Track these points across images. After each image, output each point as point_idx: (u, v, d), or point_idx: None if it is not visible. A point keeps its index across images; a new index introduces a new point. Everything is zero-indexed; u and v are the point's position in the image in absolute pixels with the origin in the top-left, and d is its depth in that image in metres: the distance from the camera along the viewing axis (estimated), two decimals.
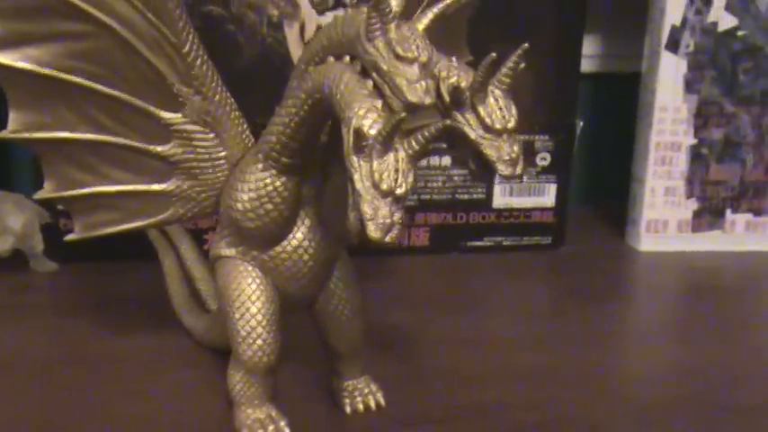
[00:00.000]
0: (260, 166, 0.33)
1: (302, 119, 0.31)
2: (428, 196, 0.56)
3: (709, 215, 0.61)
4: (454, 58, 0.30)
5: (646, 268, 0.59)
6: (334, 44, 0.30)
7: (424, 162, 0.55)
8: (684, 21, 0.57)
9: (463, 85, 0.29)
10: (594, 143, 0.68)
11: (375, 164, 0.26)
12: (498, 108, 0.29)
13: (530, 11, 0.54)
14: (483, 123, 0.29)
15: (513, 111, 0.30)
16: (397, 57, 0.28)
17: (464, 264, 0.57)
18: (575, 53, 0.56)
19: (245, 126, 0.35)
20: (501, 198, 0.57)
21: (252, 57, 0.49)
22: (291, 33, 0.49)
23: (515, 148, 0.29)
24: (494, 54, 0.29)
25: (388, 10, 0.29)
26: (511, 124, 0.29)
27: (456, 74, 0.29)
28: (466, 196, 0.57)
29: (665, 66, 0.57)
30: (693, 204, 0.60)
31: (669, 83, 0.58)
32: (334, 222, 0.34)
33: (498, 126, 0.29)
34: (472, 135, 0.29)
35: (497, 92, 0.30)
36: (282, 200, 0.33)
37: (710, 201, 0.61)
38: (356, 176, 0.27)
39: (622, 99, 0.63)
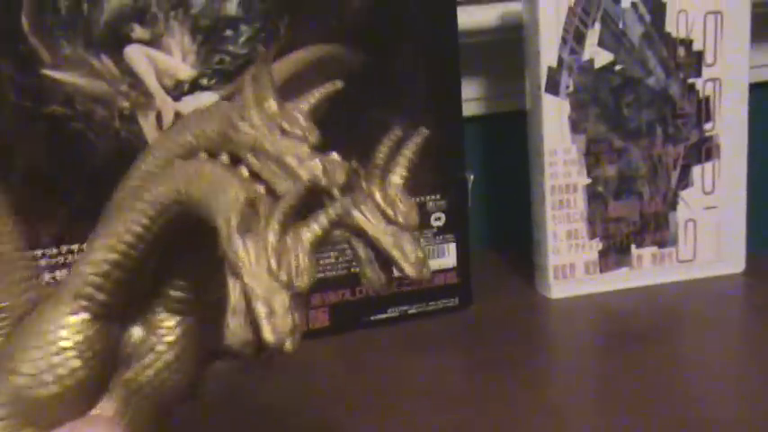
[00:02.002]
0: (65, 309, 0.29)
1: (140, 238, 0.28)
2: (322, 274, 0.55)
3: (615, 253, 0.61)
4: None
5: (559, 318, 0.58)
6: (205, 142, 0.28)
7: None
8: (561, 61, 0.58)
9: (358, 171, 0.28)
10: (490, 188, 0.68)
11: (269, 251, 0.23)
12: (399, 200, 0.28)
13: (399, 68, 0.54)
14: (384, 215, 0.27)
15: (414, 207, 0.28)
16: (283, 132, 0.26)
17: (369, 341, 0.55)
18: (454, 106, 0.56)
19: (34, 267, 0.31)
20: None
21: (107, 154, 0.48)
22: (148, 124, 0.48)
23: (420, 251, 0.27)
24: (399, 132, 0.29)
25: (267, 82, 0.27)
26: (414, 220, 0.28)
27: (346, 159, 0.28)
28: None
29: (548, 109, 0.58)
30: (598, 244, 0.61)
31: (555, 125, 0.58)
32: (186, 363, 0.31)
33: (401, 220, 0.27)
34: (370, 229, 0.27)
35: (394, 181, 0.28)
36: (94, 354, 0.28)
37: (614, 238, 0.61)
38: (242, 270, 0.23)
39: (512, 138, 0.64)
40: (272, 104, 0.27)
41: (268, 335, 0.23)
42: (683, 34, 0.59)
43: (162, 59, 0.48)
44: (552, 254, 0.60)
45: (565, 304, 0.60)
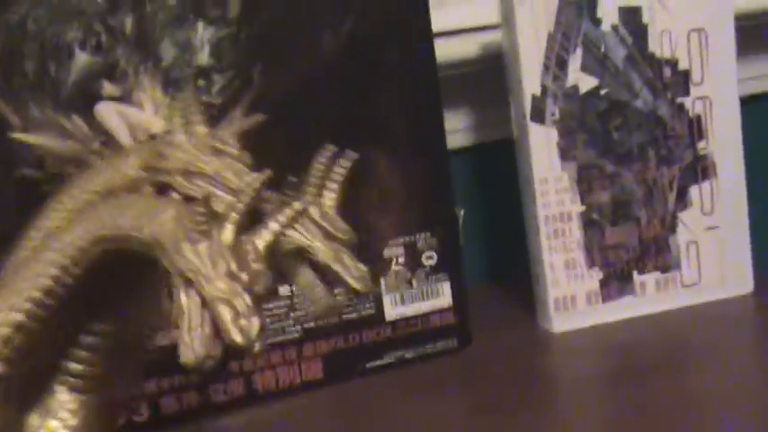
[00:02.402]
0: None
1: (49, 292, 0.27)
2: (312, 324, 0.53)
3: (616, 281, 0.60)
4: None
5: (562, 354, 0.56)
6: (124, 182, 0.29)
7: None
8: (544, 89, 0.57)
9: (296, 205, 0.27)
10: (483, 220, 0.67)
11: (226, 254, 0.23)
12: (335, 218, 0.28)
13: (379, 105, 0.53)
14: (322, 232, 0.27)
15: (348, 226, 0.29)
16: (216, 153, 0.27)
17: (365, 390, 0.53)
18: (438, 139, 0.55)
19: None
20: (393, 309, 0.55)
21: None
22: None
23: (361, 265, 0.28)
24: (330, 149, 0.29)
25: (194, 108, 0.28)
26: (352, 236, 0.28)
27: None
28: (354, 314, 0.54)
29: (535, 137, 0.57)
30: (598, 273, 0.59)
31: (543, 153, 0.57)
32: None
33: (340, 236, 0.28)
34: (310, 246, 0.27)
35: (329, 199, 0.29)
36: None
37: (614, 266, 0.60)
38: (198, 276, 0.23)
39: (502, 167, 0.63)
40: (200, 129, 0.28)
41: (237, 337, 0.22)
42: (667, 54, 0.58)
43: (134, 115, 0.43)
44: (551, 286, 0.58)
45: (568, 338, 0.58)
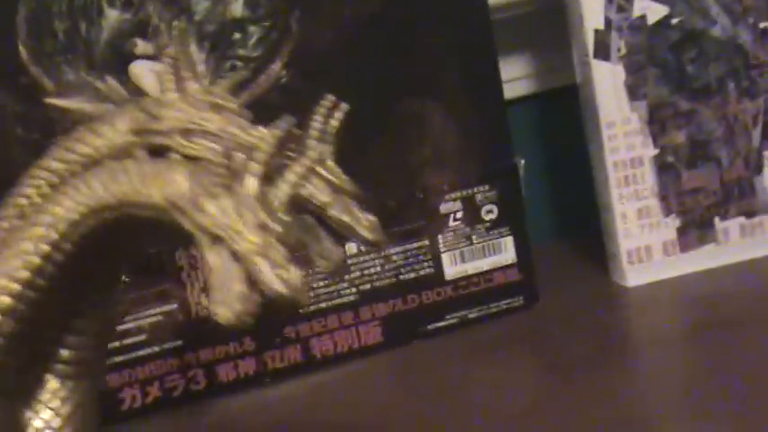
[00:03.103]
0: None
1: (40, 272, 0.26)
2: (368, 285, 0.52)
3: (695, 229, 0.56)
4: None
5: (638, 309, 0.53)
6: (111, 151, 0.27)
7: (354, 248, 0.51)
8: (608, 22, 0.53)
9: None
10: (547, 172, 0.64)
11: (257, 205, 0.23)
12: (338, 170, 0.28)
13: (429, 53, 0.51)
14: (329, 184, 0.27)
15: (349, 180, 0.28)
16: (216, 109, 0.26)
17: (428, 353, 0.52)
18: (493, 88, 0.53)
19: None
20: (453, 267, 0.53)
21: None
22: None
23: (369, 215, 0.27)
24: (330, 99, 0.28)
25: (187, 62, 0.27)
26: (358, 188, 0.28)
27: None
28: (412, 275, 0.53)
29: (599, 77, 0.53)
30: (675, 221, 0.55)
31: (609, 94, 0.54)
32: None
33: (347, 187, 0.27)
34: (318, 198, 0.26)
35: (329, 154, 0.28)
36: None
37: (693, 213, 0.56)
38: (226, 232, 0.22)
39: (565, 115, 0.60)
40: (192, 85, 0.27)
41: (281, 288, 0.22)
42: None
43: None
44: (623, 237, 0.55)
45: (643, 292, 0.55)
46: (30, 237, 0.26)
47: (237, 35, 0.47)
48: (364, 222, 0.27)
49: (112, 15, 0.46)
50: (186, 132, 0.26)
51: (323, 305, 0.51)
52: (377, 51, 0.50)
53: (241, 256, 0.22)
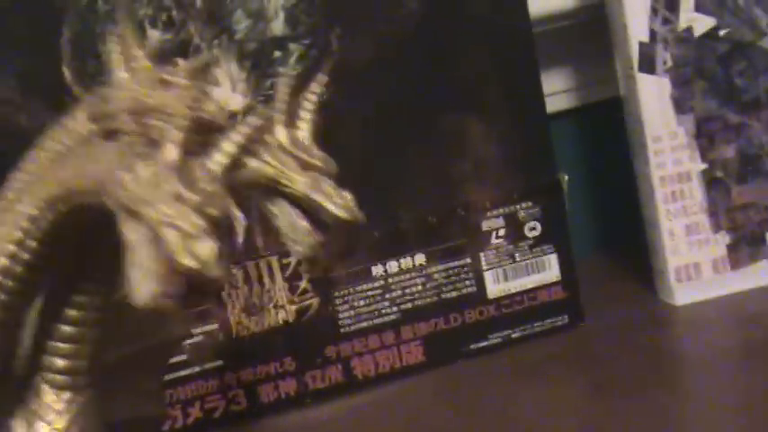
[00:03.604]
0: None
1: (7, 271, 0.25)
2: (409, 304, 0.52)
3: (746, 246, 0.54)
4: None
5: (687, 329, 0.52)
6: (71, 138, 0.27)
7: (395, 266, 0.51)
8: (653, 34, 0.52)
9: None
10: (591, 187, 0.64)
11: (170, 172, 0.21)
12: (311, 146, 0.26)
13: (469, 68, 0.51)
14: (298, 161, 0.25)
15: (323, 155, 0.26)
16: (165, 85, 0.25)
17: (471, 373, 0.51)
18: (536, 100, 0.52)
19: None
20: (495, 285, 0.53)
21: None
22: None
23: (344, 192, 0.25)
24: (296, 74, 0.27)
25: (133, 39, 0.26)
26: (333, 166, 0.26)
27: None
28: (454, 293, 0.52)
29: (645, 90, 0.53)
30: (725, 238, 0.54)
31: (655, 108, 0.53)
32: None
33: (319, 164, 0.25)
34: (284, 177, 0.25)
35: (303, 127, 0.26)
36: None
37: (744, 229, 0.54)
38: (139, 203, 0.21)
39: (609, 129, 0.59)
40: (143, 63, 0.26)
41: (186, 260, 0.20)
42: None
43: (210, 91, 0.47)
44: (671, 254, 0.54)
45: (692, 311, 0.53)
46: None
47: (278, 53, 0.47)
48: (337, 200, 0.25)
49: (154, 36, 0.46)
50: (132, 112, 0.24)
51: (364, 324, 0.51)
52: (417, 66, 0.50)
53: (152, 227, 0.21)
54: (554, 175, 0.53)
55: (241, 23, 0.47)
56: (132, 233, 0.21)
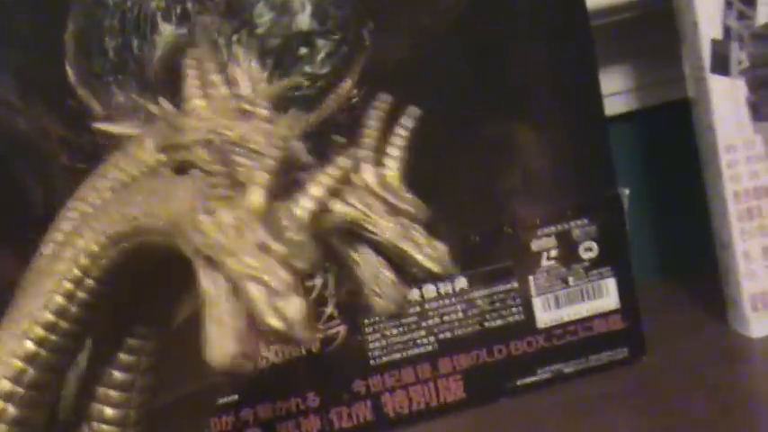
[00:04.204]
0: None
1: (62, 312, 0.26)
2: (448, 333, 0.50)
3: None
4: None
5: (765, 365, 0.51)
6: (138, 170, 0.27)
7: (432, 291, 0.51)
8: (727, 31, 0.50)
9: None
10: (653, 202, 0.62)
11: (256, 219, 0.21)
12: (400, 188, 0.26)
13: (517, 67, 0.50)
14: (386, 205, 0.25)
15: (412, 197, 0.26)
16: (244, 115, 0.25)
17: (516, 412, 0.50)
18: (593, 103, 0.51)
19: None
20: (546, 313, 0.52)
21: None
22: None
23: (436, 242, 0.25)
24: (386, 101, 0.26)
25: (211, 63, 0.26)
26: (424, 210, 0.25)
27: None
28: (499, 321, 0.51)
29: (717, 93, 0.51)
30: None
31: (729, 114, 0.51)
32: None
33: (409, 209, 0.25)
34: (370, 223, 0.25)
35: (391, 166, 0.26)
36: None
37: None
38: (219, 251, 0.21)
39: (676, 136, 0.58)
40: (221, 90, 0.26)
41: (271, 320, 0.20)
42: None
43: None
44: (746, 279, 0.52)
45: None
46: (51, 273, 0.26)
47: (304, 50, 0.47)
48: (428, 251, 0.25)
49: (167, 30, 0.45)
50: (207, 144, 0.25)
51: (396, 356, 0.50)
52: (460, 65, 0.49)
53: (232, 280, 0.21)
54: (613, 189, 0.52)
55: (263, 17, 0.46)
56: (210, 284, 0.21)
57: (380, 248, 0.25)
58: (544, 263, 0.52)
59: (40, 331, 0.26)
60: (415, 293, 0.50)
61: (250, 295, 0.20)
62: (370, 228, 0.25)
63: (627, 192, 0.53)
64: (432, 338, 0.51)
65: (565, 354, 0.52)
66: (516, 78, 0.50)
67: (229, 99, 0.26)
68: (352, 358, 0.50)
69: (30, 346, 0.26)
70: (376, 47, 0.47)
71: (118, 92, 0.46)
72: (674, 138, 0.59)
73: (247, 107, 0.25)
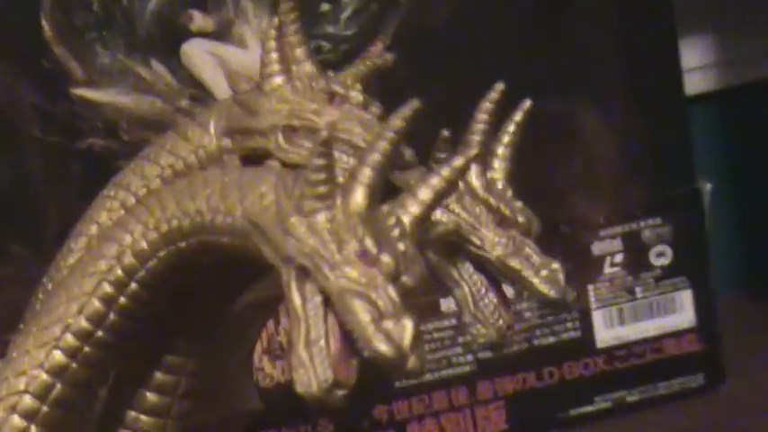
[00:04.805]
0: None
1: (99, 318, 0.26)
2: (489, 352, 0.47)
3: None
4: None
5: None
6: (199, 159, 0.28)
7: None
8: None
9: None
10: (738, 201, 0.61)
11: (359, 225, 0.22)
12: (509, 193, 0.26)
13: (581, 39, 0.49)
14: (495, 214, 0.26)
15: (524, 206, 0.27)
16: (332, 98, 0.26)
17: None
18: (671, 81, 0.50)
19: None
20: (607, 330, 0.51)
21: None
22: None
23: (551, 261, 0.26)
24: (498, 92, 0.27)
25: (295, 34, 0.27)
26: (536, 222, 0.26)
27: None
28: (551, 339, 0.50)
29: None
30: None
31: None
32: None
33: (521, 220, 0.26)
34: (477, 236, 0.25)
35: (501, 168, 0.27)
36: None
37: None
38: (315, 261, 0.21)
39: (762, 120, 0.58)
40: (307, 67, 0.26)
41: (381, 345, 0.20)
42: None
43: (234, 57, 0.46)
44: None
45: None
46: (88, 274, 0.26)
47: (326, 6, 0.46)
48: (542, 272, 0.25)
49: None
50: (288, 131, 0.25)
51: (427, 377, 0.49)
52: (511, 32, 0.48)
53: (331, 295, 0.21)
54: (692, 184, 0.52)
55: None
56: (300, 298, 0.21)
57: (485, 266, 0.25)
58: (607, 270, 0.51)
59: (72, 340, 0.25)
60: (451, 303, 0.46)
61: (354, 315, 0.20)
62: (477, 242, 0.25)
63: (708, 187, 0.52)
64: (470, 357, 0.50)
65: (629, 379, 0.51)
66: (580, 51, 0.50)
67: (317, 78, 0.26)
68: (374, 379, 0.48)
69: (59, 357, 0.26)
70: (412, 6, 0.47)
71: (102, 52, 0.46)
72: (761, 122, 0.58)
73: (339, 90, 0.26)
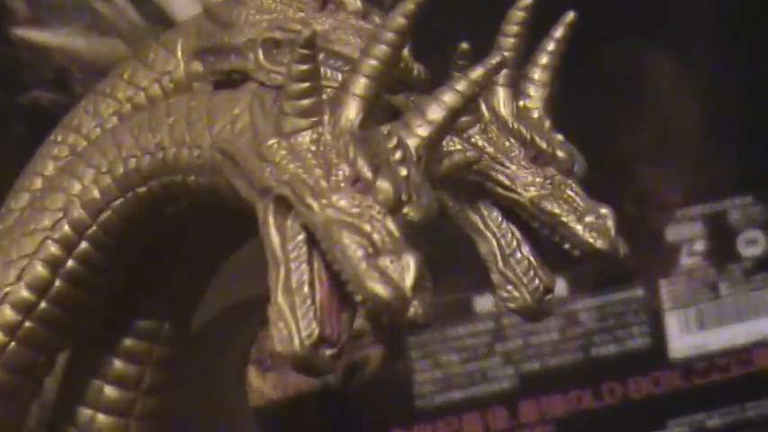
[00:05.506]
0: None
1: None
2: (535, 363, 0.48)
3: None
4: None
5: None
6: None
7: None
8: None
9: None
10: None
11: (351, 144, 0.22)
12: (547, 120, 0.26)
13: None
14: (531, 149, 0.25)
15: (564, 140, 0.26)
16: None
17: None
18: (762, 38, 0.49)
19: None
20: (683, 337, 0.49)
21: None
22: None
23: (598, 205, 0.24)
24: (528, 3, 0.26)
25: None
26: (579, 158, 0.25)
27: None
28: (612, 348, 0.48)
29: None
30: None
31: None
32: None
33: (562, 155, 0.25)
34: (506, 176, 0.25)
35: (538, 96, 0.26)
36: None
37: None
38: (301, 188, 0.21)
39: None
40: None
41: (375, 286, 0.19)
42: None
43: None
44: None
45: None
46: (41, 220, 0.26)
47: None
48: (589, 218, 0.24)
49: None
50: (270, 45, 0.25)
51: (457, 395, 0.47)
52: None
53: (317, 230, 0.20)
54: None
55: None
56: (278, 236, 0.20)
57: (518, 213, 0.24)
58: (684, 260, 0.49)
59: (10, 314, 0.25)
60: (486, 302, 0.48)
61: (343, 251, 0.20)
62: (505, 182, 0.24)
63: None
64: (510, 370, 0.49)
65: (710, 398, 0.50)
66: (664, 9, 0.49)
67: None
68: (389, 395, 0.48)
69: (8, 312, 0.26)
70: None
71: None
72: None
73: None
